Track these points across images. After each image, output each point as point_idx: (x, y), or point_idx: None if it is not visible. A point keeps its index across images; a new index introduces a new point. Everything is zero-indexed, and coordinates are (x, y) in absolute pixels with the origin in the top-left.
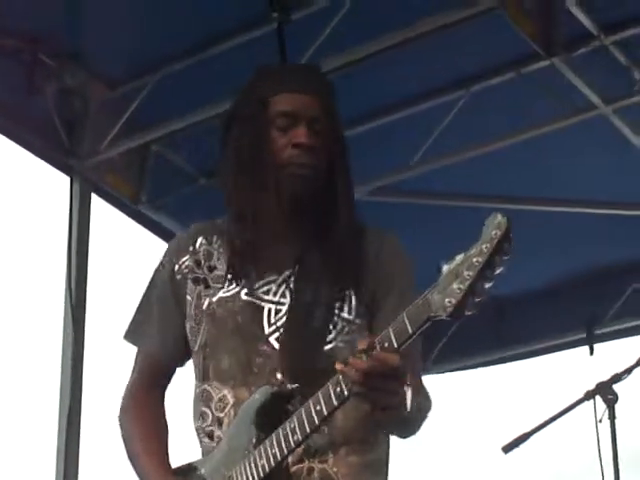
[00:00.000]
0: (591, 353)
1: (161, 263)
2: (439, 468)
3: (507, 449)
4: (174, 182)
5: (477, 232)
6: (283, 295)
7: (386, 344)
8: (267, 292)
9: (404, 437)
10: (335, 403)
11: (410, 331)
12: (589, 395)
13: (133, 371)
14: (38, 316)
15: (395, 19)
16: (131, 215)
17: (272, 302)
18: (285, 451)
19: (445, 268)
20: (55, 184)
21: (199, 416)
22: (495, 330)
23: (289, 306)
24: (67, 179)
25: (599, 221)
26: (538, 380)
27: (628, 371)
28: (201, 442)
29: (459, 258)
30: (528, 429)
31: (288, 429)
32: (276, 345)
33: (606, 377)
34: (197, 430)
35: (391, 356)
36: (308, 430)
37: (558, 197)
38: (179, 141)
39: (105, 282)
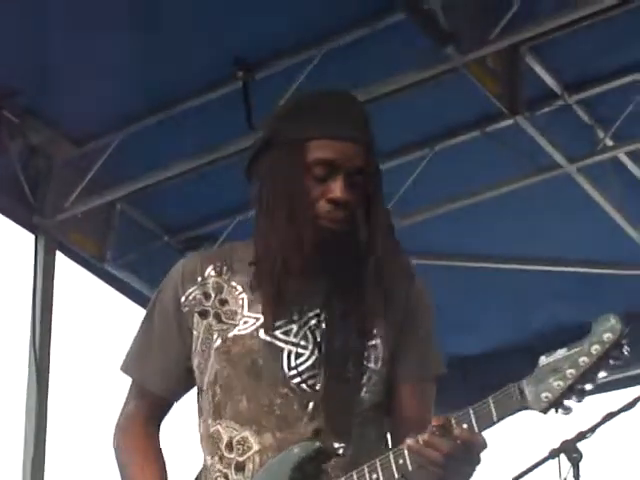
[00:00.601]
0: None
1: (162, 292)
2: None
3: None
4: (138, 240)
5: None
6: (304, 338)
7: (464, 425)
8: (287, 333)
9: None
10: (396, 476)
11: (495, 419)
12: (554, 453)
13: (127, 403)
14: (2, 371)
15: (361, 78)
16: (96, 273)
17: (292, 344)
18: None
19: (543, 360)
20: (20, 241)
21: (212, 455)
22: (462, 386)
23: (319, 349)
24: (32, 237)
25: (565, 279)
26: (502, 437)
27: (592, 429)
28: (213, 476)
29: (561, 352)
30: None
31: None
32: (298, 390)
33: (571, 435)
34: (209, 468)
35: (477, 438)
36: None
37: (521, 255)
38: (143, 199)
39: (69, 339)
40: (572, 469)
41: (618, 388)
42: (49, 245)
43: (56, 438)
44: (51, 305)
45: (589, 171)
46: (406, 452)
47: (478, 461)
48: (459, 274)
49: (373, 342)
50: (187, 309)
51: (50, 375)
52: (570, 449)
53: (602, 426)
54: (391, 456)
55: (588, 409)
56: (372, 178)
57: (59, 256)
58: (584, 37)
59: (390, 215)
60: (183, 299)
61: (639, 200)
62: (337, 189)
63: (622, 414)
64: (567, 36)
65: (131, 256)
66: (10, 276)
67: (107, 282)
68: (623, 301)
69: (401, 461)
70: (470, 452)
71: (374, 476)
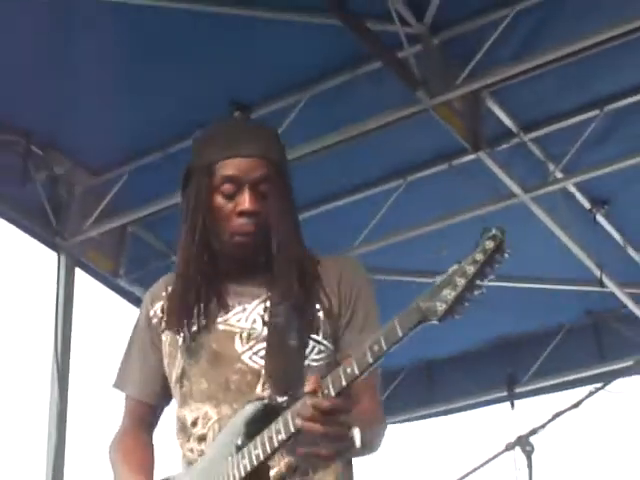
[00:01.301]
0: (512, 408)
1: (139, 315)
2: None
3: None
4: (148, 258)
5: (409, 302)
6: (254, 321)
7: (325, 391)
8: (238, 320)
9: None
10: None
11: (400, 334)
12: (509, 446)
13: (123, 415)
14: (27, 377)
15: (343, 119)
16: (110, 287)
17: (243, 328)
18: (268, 450)
19: (438, 279)
20: (43, 259)
21: (180, 435)
22: (426, 388)
23: (268, 327)
24: (54, 255)
25: (518, 294)
26: (465, 433)
27: (543, 426)
28: (184, 457)
29: (452, 268)
30: (461, 474)
31: (273, 430)
32: (250, 363)
33: (525, 431)
34: (181, 447)
35: (333, 403)
36: (293, 430)
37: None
38: (152, 222)
39: (88, 345)
40: (526, 460)
41: (565, 389)
42: (69, 262)
43: (76, 436)
44: (71, 315)
45: (541, 200)
46: (281, 421)
47: (342, 426)
48: (421, 288)
49: (315, 317)
50: (155, 320)
51: (70, 379)
52: (524, 443)
53: (551, 423)
54: (273, 427)
55: (539, 408)
56: (276, 184)
57: (78, 272)
58: (537, 83)
59: (296, 217)
60: (152, 313)
61: (584, 224)
62: (245, 202)
63: (568, 413)
64: (522, 82)
65: (141, 272)
66: (35, 289)
67: (120, 295)
68: (567, 313)
69: (277, 427)
70: (329, 420)
71: (280, 436)
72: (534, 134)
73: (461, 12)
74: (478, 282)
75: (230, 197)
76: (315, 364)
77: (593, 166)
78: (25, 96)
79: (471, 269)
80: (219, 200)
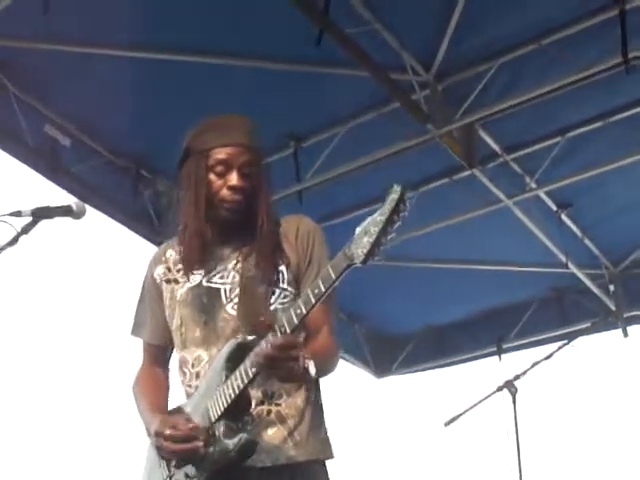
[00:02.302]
0: (500, 360)
1: (145, 275)
2: (404, 438)
3: (448, 423)
4: None
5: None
6: (233, 277)
7: (278, 332)
8: (221, 277)
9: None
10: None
11: (333, 277)
12: (499, 388)
13: (142, 356)
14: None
15: (370, 146)
16: None
17: (225, 283)
18: (245, 380)
19: (358, 229)
20: (150, 255)
21: (181, 374)
22: (435, 347)
23: (239, 282)
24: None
25: (503, 275)
26: (464, 380)
27: (524, 373)
28: (185, 392)
29: (368, 219)
30: (461, 410)
31: (247, 364)
32: (232, 312)
33: (510, 376)
34: (182, 384)
35: (285, 340)
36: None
37: (476, 259)
38: None
39: None
40: (511, 398)
41: (540, 345)
42: None
43: None
44: None
45: (520, 204)
46: (252, 355)
47: (291, 359)
48: (436, 272)
49: (279, 268)
50: (159, 280)
51: None
52: (510, 385)
53: (530, 370)
54: (246, 361)
55: (521, 360)
56: (256, 169)
57: None
58: (516, 116)
59: (271, 191)
60: (155, 274)
61: (552, 222)
62: (234, 179)
63: (543, 362)
64: (505, 116)
65: None
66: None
67: None
68: (539, 289)
69: (250, 361)
70: (281, 351)
71: (252, 369)
72: (514, 155)
73: (458, 65)
74: (389, 229)
75: (221, 175)
76: (281, 307)
77: (559, 178)
78: (136, 132)
79: (382, 219)
80: (212, 177)
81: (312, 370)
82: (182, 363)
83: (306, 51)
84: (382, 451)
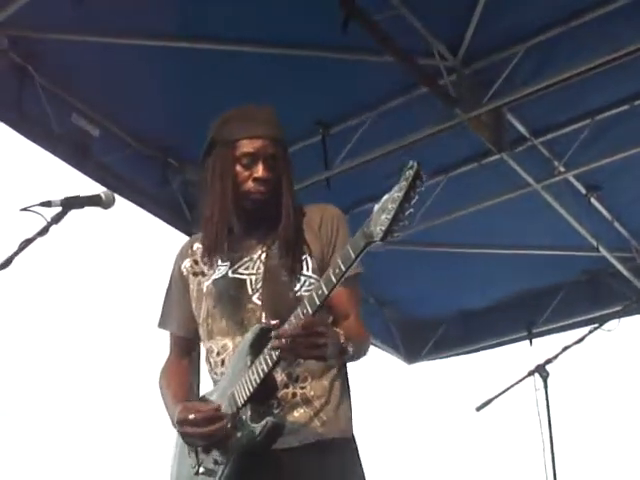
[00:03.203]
0: (530, 345)
1: (172, 268)
2: (437, 421)
3: (479, 408)
4: None
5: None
6: (258, 268)
7: (302, 314)
8: (246, 268)
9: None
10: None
11: (353, 255)
12: (530, 373)
13: (168, 348)
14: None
15: (401, 130)
16: None
17: (251, 274)
18: (270, 364)
19: (375, 207)
20: (180, 245)
21: (208, 364)
22: (464, 332)
23: (264, 270)
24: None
25: (534, 259)
26: (496, 365)
27: (555, 357)
28: (212, 380)
29: (385, 197)
30: (492, 395)
31: (269, 350)
32: (257, 302)
33: (541, 361)
34: (208, 373)
35: (311, 320)
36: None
37: (505, 243)
38: None
39: None
40: (543, 383)
41: (571, 329)
42: None
43: None
44: None
45: (549, 188)
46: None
47: (321, 337)
48: (465, 257)
49: (303, 257)
50: (185, 273)
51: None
52: (541, 370)
53: (561, 355)
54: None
55: (552, 344)
56: (282, 161)
57: None
58: (544, 100)
59: (293, 183)
60: (182, 267)
61: (582, 206)
62: (259, 171)
63: (574, 346)
64: (532, 100)
65: None
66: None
67: None
68: (570, 272)
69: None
70: (309, 331)
71: (275, 352)
72: (542, 138)
73: (485, 49)
74: (406, 205)
75: (247, 167)
76: (307, 294)
77: (587, 161)
78: (164, 120)
79: (399, 195)
80: (238, 168)
81: (350, 349)
82: (209, 353)
83: (333, 37)
84: (414, 437)
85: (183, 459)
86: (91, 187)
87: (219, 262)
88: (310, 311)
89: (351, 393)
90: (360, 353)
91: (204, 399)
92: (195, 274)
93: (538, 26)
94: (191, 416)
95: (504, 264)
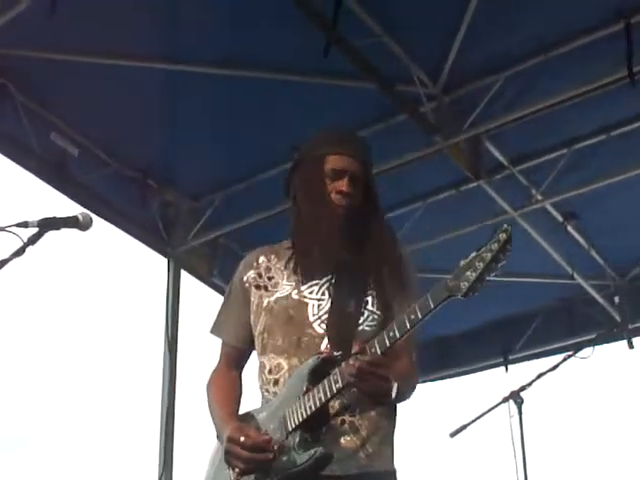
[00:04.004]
0: (506, 371)
1: (234, 278)
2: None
3: (453, 434)
4: (234, 261)
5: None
6: (323, 294)
7: (371, 350)
8: (311, 292)
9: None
10: (332, 392)
11: (432, 305)
12: (505, 399)
13: (219, 357)
14: (146, 350)
15: (381, 156)
16: (207, 284)
17: (315, 299)
18: (329, 395)
19: (462, 262)
20: (157, 264)
21: (259, 379)
22: (439, 357)
23: (331, 299)
24: (165, 260)
25: (511, 286)
26: (471, 391)
27: (530, 384)
28: (262, 396)
29: (473, 254)
30: (465, 422)
31: (332, 380)
32: (318, 329)
33: (516, 387)
34: (260, 388)
35: (376, 358)
36: (342, 385)
37: None
38: (238, 235)
39: (191, 328)
40: (517, 409)
41: (546, 356)
42: (176, 266)
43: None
44: (178, 306)
45: (526, 215)
46: (338, 371)
47: (382, 377)
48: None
49: (370, 292)
50: (247, 285)
51: (178, 353)
52: (515, 396)
53: (536, 381)
54: (331, 377)
55: (527, 371)
56: (368, 182)
57: (183, 273)
58: (522, 128)
59: (380, 206)
60: (245, 279)
61: (558, 233)
62: (344, 185)
63: (549, 373)
64: (511, 128)
65: (229, 272)
66: (150, 287)
67: (214, 290)
68: (546, 299)
69: (335, 377)
70: (372, 368)
71: (337, 385)
72: (520, 167)
73: (465, 77)
74: (493, 265)
75: (333, 180)
76: (368, 329)
77: (564, 190)
78: (143, 144)
79: (488, 255)
80: (326, 180)
81: (394, 393)
82: (261, 368)
83: (313, 62)
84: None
85: (220, 470)
86: (69, 206)
87: (284, 280)
88: (379, 351)
89: (395, 427)
90: (405, 395)
91: (252, 416)
92: (258, 287)
93: (518, 55)
94: (242, 439)
95: (481, 290)
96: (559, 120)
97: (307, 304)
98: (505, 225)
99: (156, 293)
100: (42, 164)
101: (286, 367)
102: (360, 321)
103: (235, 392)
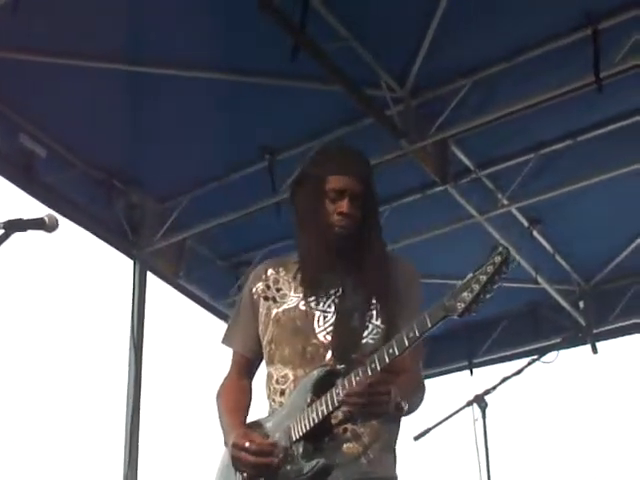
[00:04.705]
0: (471, 374)
1: (244, 290)
2: None
3: (417, 437)
4: (201, 263)
5: None
6: (329, 306)
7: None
8: (318, 303)
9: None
10: (331, 408)
11: (429, 324)
12: (469, 403)
13: (230, 366)
14: (111, 352)
15: None
16: (173, 285)
17: (321, 310)
18: (330, 408)
19: (459, 284)
20: (122, 265)
21: (267, 388)
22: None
23: (336, 311)
24: (131, 262)
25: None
26: (435, 394)
27: (494, 387)
28: (270, 405)
29: (468, 276)
30: (429, 425)
31: (334, 393)
32: (323, 340)
33: (480, 391)
34: (267, 398)
35: (375, 380)
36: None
37: (448, 273)
38: (204, 237)
39: (156, 329)
40: (481, 413)
41: (510, 360)
42: (142, 267)
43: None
44: (144, 307)
45: (492, 220)
46: (340, 384)
47: (380, 393)
48: None
49: (375, 305)
50: (256, 297)
51: (143, 354)
52: (480, 400)
53: (500, 385)
54: (334, 389)
55: (492, 374)
56: (368, 200)
57: (149, 275)
58: (488, 133)
59: (379, 224)
60: (254, 290)
61: (523, 238)
62: (344, 206)
63: (513, 378)
64: (477, 132)
65: (196, 274)
66: (116, 288)
67: (180, 291)
68: (511, 303)
69: (337, 390)
70: (375, 390)
71: (338, 397)
72: (486, 171)
73: (432, 82)
74: (489, 287)
75: (334, 201)
76: (372, 342)
77: (530, 195)
78: (110, 145)
79: (484, 278)
80: (326, 201)
81: (405, 407)
82: (268, 378)
83: (281, 65)
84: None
85: (228, 477)
86: (35, 207)
87: (292, 292)
88: (379, 368)
89: (398, 435)
90: (413, 408)
91: (259, 424)
92: (266, 298)
93: (485, 60)
94: (247, 444)
95: (446, 294)
96: (526, 125)
97: (314, 315)
98: (501, 247)
99: (122, 294)
100: (8, 165)
101: (292, 378)
102: (364, 334)
103: (244, 400)
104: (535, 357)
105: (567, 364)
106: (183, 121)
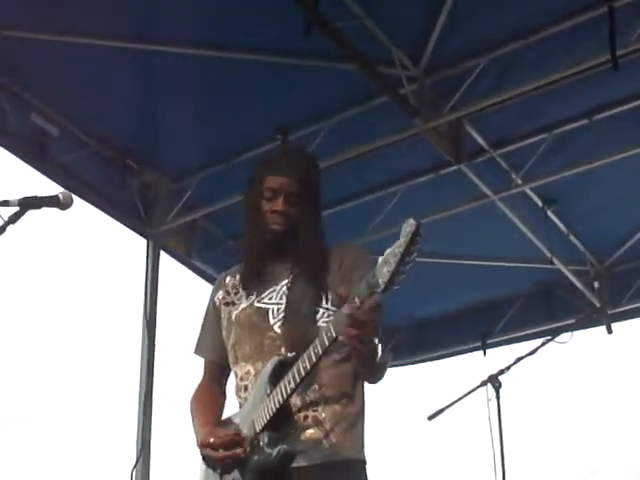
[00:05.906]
0: (484, 355)
1: (209, 299)
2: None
3: (431, 417)
4: (213, 243)
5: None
6: (280, 298)
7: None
8: (270, 298)
9: (374, 383)
10: (327, 343)
11: (358, 304)
12: (483, 383)
13: (202, 373)
14: (124, 330)
15: (358, 140)
16: (186, 265)
17: (274, 304)
18: (285, 396)
19: (379, 260)
20: (136, 245)
21: (234, 387)
22: (418, 341)
23: (286, 301)
24: (144, 241)
25: (489, 269)
26: (449, 375)
27: (508, 368)
28: (238, 402)
29: (387, 251)
30: (443, 405)
31: (286, 380)
32: (279, 331)
33: (494, 371)
34: (235, 395)
35: (363, 312)
36: (298, 378)
37: (462, 254)
38: (215, 217)
39: (169, 309)
40: (495, 393)
41: (524, 340)
42: (156, 247)
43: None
44: (157, 287)
45: (506, 199)
46: (331, 326)
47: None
48: (421, 267)
49: (323, 290)
50: (218, 304)
51: (156, 332)
52: (494, 380)
53: (514, 366)
54: (323, 333)
55: (505, 355)
56: (304, 199)
57: (162, 254)
58: (503, 112)
59: (318, 219)
60: (216, 299)
61: (538, 218)
62: (278, 205)
63: (527, 358)
64: (492, 111)
65: (207, 254)
66: (129, 268)
67: (192, 271)
68: (525, 284)
69: (329, 334)
70: (360, 319)
71: (315, 350)
72: (501, 151)
73: (447, 60)
74: (406, 259)
75: (270, 200)
76: (324, 325)
77: (545, 174)
78: (124, 125)
79: (399, 250)
80: (263, 202)
81: (379, 352)
82: (236, 377)
83: (294, 43)
84: (365, 446)
85: (208, 476)
86: (49, 187)
87: (248, 293)
88: (320, 350)
89: (365, 418)
90: (383, 371)
91: (229, 421)
92: (227, 304)
93: (500, 39)
94: (211, 440)
95: (460, 274)
96: (541, 104)
97: (268, 309)
98: (411, 219)
99: (135, 275)
100: (21, 143)
101: (253, 372)
102: (317, 318)
103: (215, 404)
104: (549, 337)
105: (581, 345)
106: (197, 101)
